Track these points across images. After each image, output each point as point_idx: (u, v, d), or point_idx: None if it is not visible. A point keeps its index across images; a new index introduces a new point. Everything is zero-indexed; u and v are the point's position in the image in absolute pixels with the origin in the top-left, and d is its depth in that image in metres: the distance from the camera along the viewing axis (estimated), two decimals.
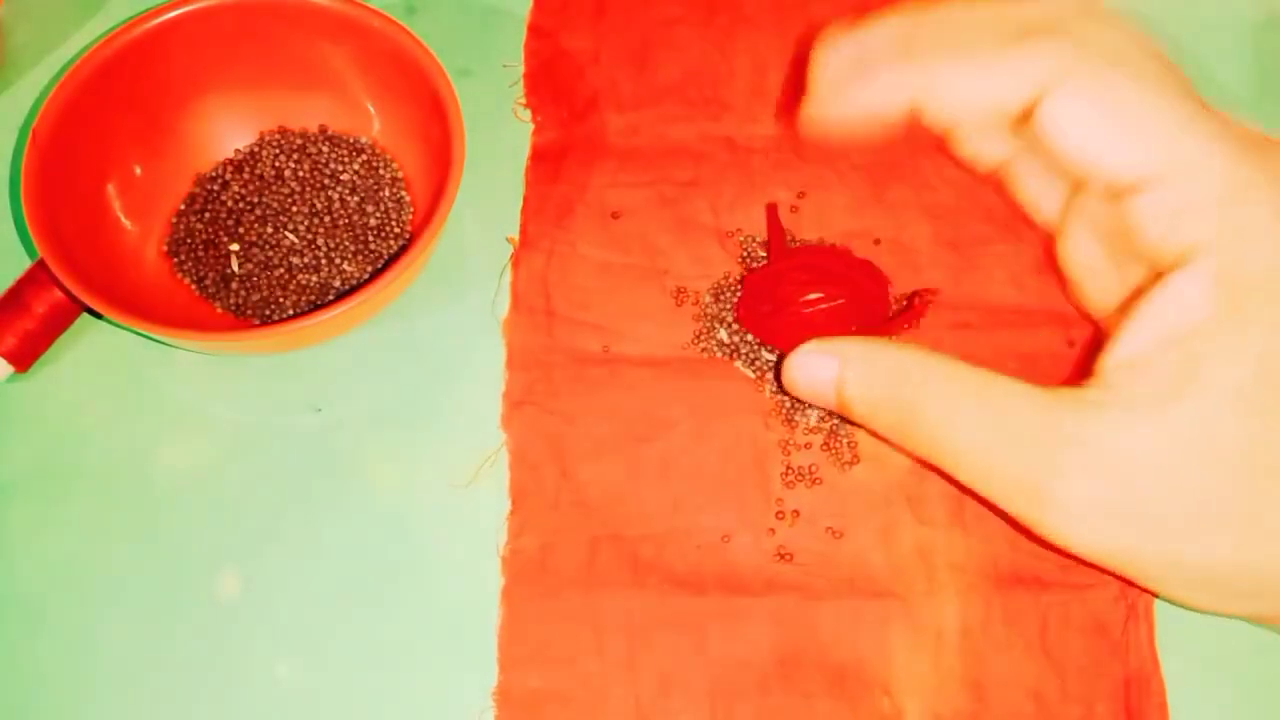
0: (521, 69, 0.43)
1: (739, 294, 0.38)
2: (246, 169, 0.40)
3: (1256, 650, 0.34)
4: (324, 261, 0.38)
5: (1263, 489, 0.26)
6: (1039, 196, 0.34)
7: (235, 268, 0.38)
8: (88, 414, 0.37)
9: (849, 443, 0.36)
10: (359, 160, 0.40)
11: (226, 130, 0.40)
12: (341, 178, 0.40)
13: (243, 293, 0.38)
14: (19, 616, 0.35)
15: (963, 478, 0.29)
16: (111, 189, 0.38)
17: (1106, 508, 0.27)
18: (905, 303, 0.37)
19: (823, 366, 0.32)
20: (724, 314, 0.38)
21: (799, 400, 0.36)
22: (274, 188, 0.40)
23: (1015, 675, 0.33)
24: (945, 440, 0.29)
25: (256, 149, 0.40)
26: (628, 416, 0.37)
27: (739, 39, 0.43)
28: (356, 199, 0.39)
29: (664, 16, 0.44)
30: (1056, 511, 0.28)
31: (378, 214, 0.39)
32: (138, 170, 0.39)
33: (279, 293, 0.38)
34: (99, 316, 0.38)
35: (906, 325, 0.37)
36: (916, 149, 0.41)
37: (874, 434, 0.32)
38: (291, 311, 0.38)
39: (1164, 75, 0.28)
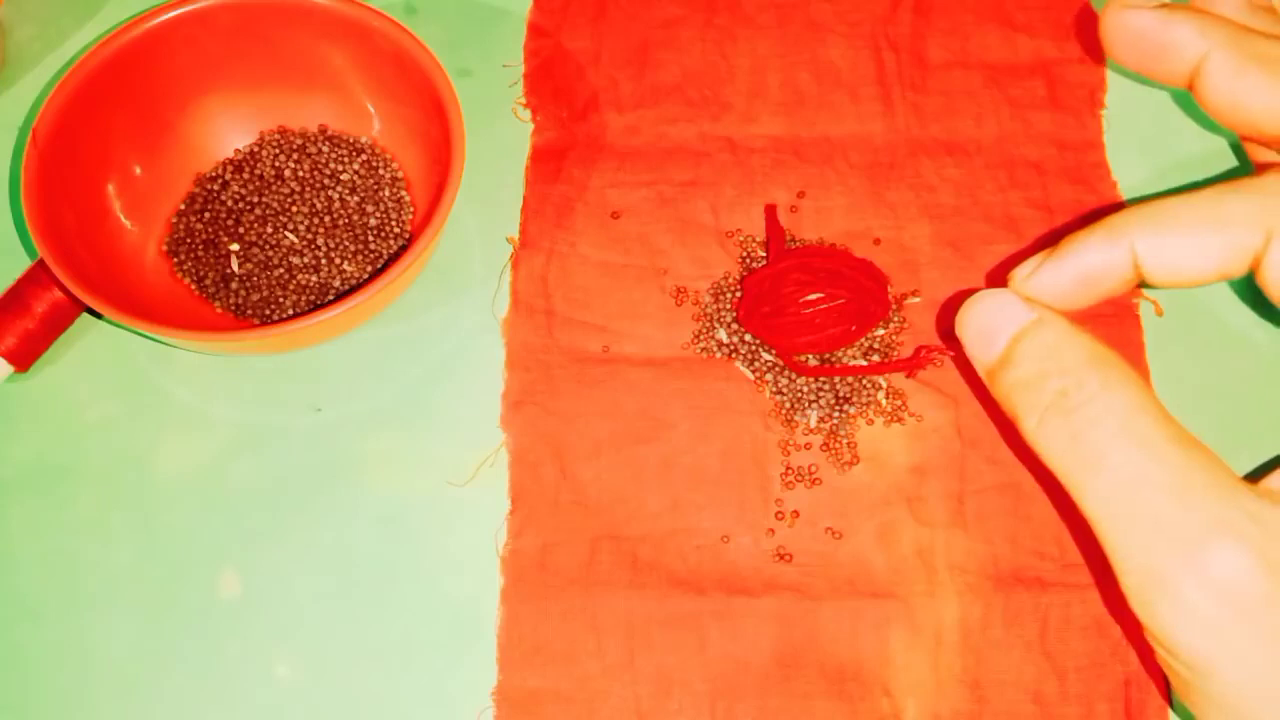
0: (521, 69, 0.43)
1: (739, 294, 0.38)
2: (246, 169, 0.40)
3: None
4: (324, 261, 0.38)
5: None
6: None
7: (235, 268, 0.38)
8: (88, 414, 0.37)
9: (849, 443, 0.36)
10: (359, 160, 0.40)
11: (226, 130, 0.40)
12: (341, 178, 0.40)
13: (243, 293, 0.38)
14: (19, 616, 0.35)
15: (1090, 511, 0.28)
16: (111, 189, 0.38)
17: (1231, 620, 0.26)
18: (913, 351, 0.37)
19: (1016, 310, 0.30)
20: (724, 314, 0.38)
21: (799, 400, 0.36)
22: (274, 188, 0.40)
23: (1015, 675, 0.33)
24: (1096, 461, 0.27)
25: (256, 149, 0.40)
26: (627, 416, 0.37)
27: (739, 39, 0.43)
28: (356, 199, 0.39)
29: (664, 16, 0.44)
30: (1172, 601, 0.26)
31: (378, 214, 0.39)
32: (138, 170, 0.39)
33: (279, 293, 0.38)
34: (99, 316, 0.38)
35: (907, 373, 0.37)
36: (916, 149, 0.41)
37: (989, 401, 0.30)
38: (291, 311, 0.38)
39: None
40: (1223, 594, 0.26)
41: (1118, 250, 0.30)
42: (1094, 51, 0.43)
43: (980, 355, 0.31)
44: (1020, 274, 0.32)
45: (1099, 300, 0.31)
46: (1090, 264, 0.31)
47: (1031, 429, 0.29)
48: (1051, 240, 0.32)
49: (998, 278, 0.39)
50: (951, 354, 0.37)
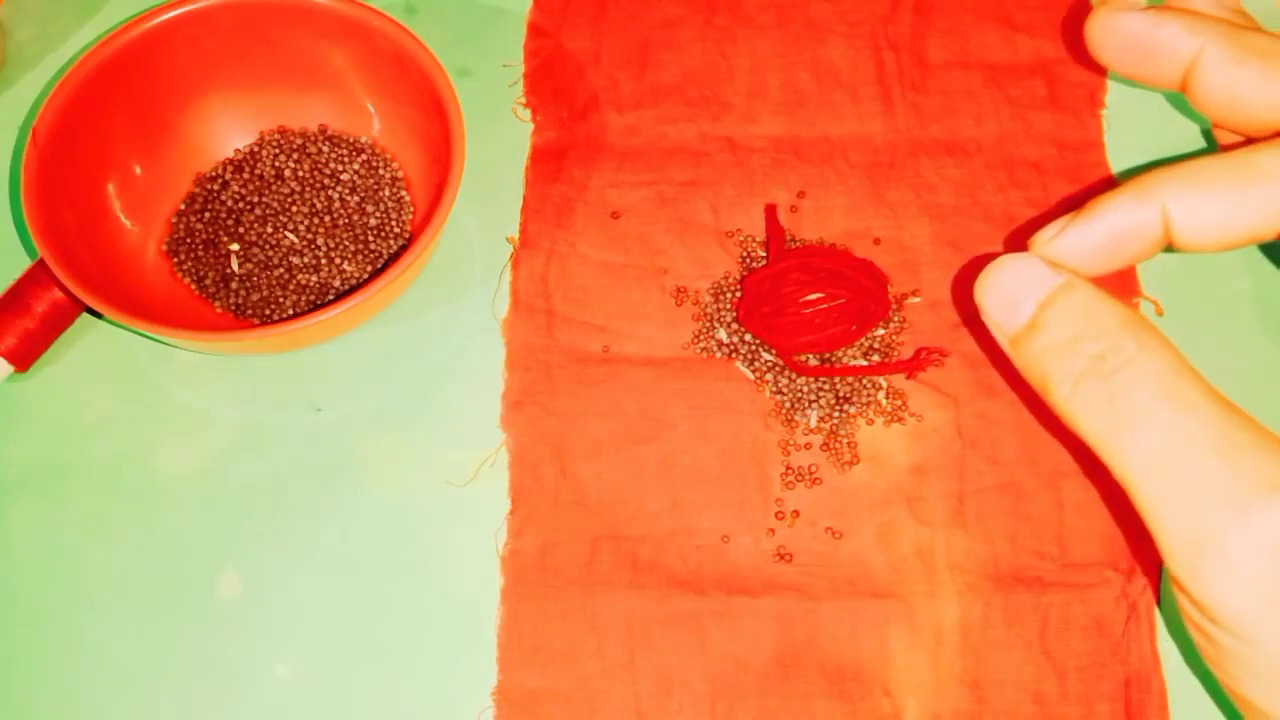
0: (521, 69, 0.43)
1: (739, 294, 0.38)
2: (246, 169, 0.40)
3: None
4: (324, 261, 0.38)
5: None
6: None
7: (235, 267, 0.38)
8: (88, 414, 0.37)
9: (849, 443, 0.36)
10: (359, 160, 0.40)
11: (226, 130, 0.40)
12: (341, 178, 0.40)
13: (243, 293, 0.38)
14: (19, 616, 0.35)
15: (1129, 475, 0.27)
16: (111, 189, 0.38)
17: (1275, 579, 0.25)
18: (913, 352, 0.37)
19: (1042, 274, 0.29)
20: (724, 314, 0.38)
21: (799, 400, 0.36)
22: (274, 188, 0.40)
23: (1015, 675, 0.33)
24: (1136, 422, 0.27)
25: (256, 149, 0.40)
26: (628, 416, 0.37)
27: (739, 39, 0.43)
28: (356, 199, 0.39)
29: (664, 17, 0.44)
30: (1217, 561, 0.26)
31: (378, 214, 0.39)
32: (138, 170, 0.39)
33: (279, 293, 0.38)
34: (99, 316, 0.38)
35: (907, 374, 0.37)
36: (916, 149, 0.41)
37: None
38: (291, 311, 0.38)
39: None
40: (1273, 554, 0.25)
41: (1147, 210, 0.29)
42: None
43: (1004, 322, 0.30)
44: (1044, 237, 0.31)
45: (1125, 264, 0.31)
46: (1118, 225, 0.30)
47: (1064, 396, 0.28)
48: (1040, 226, 0.32)
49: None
50: (951, 355, 0.37)
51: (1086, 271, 0.30)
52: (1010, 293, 0.30)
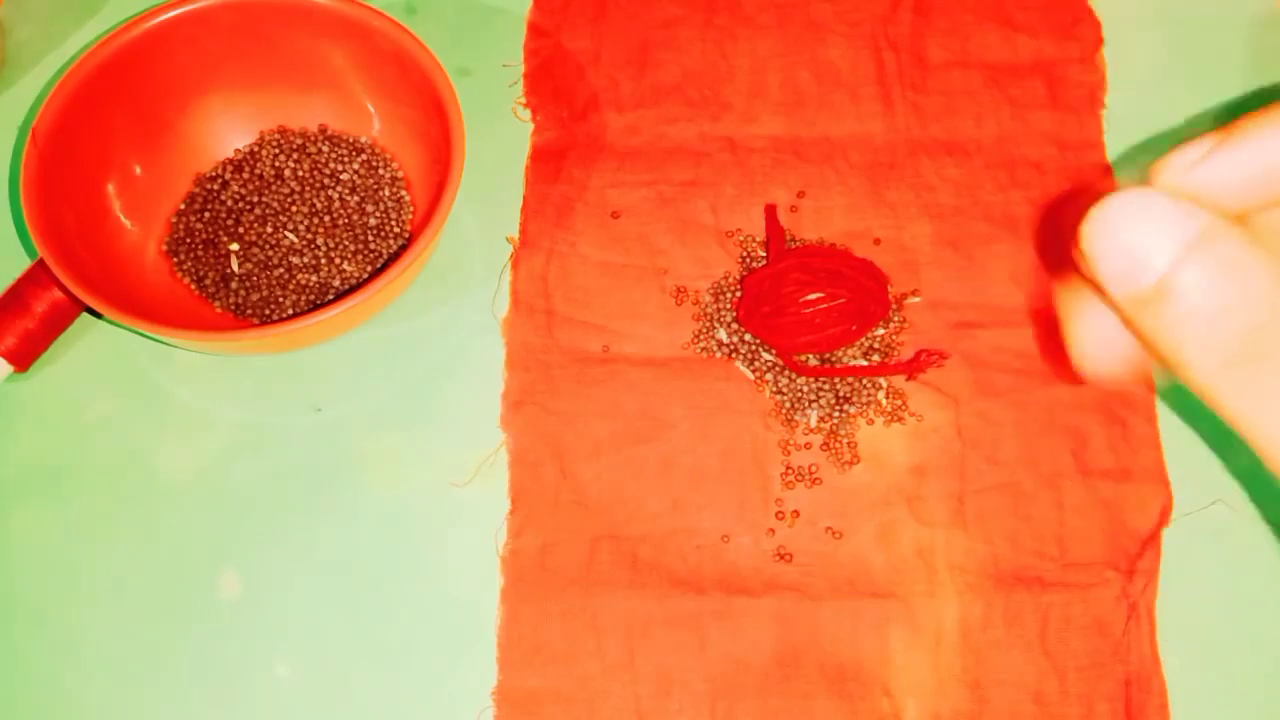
0: (521, 69, 0.43)
1: (739, 294, 0.38)
2: (246, 169, 0.40)
3: (1256, 650, 0.34)
4: (324, 261, 0.38)
5: None
6: None
7: (235, 267, 0.38)
8: (88, 414, 0.37)
9: (849, 443, 0.36)
10: (359, 160, 0.40)
11: (226, 130, 0.40)
12: (341, 177, 0.40)
13: (242, 292, 0.38)
14: (19, 616, 0.35)
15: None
16: (111, 189, 0.38)
17: None
18: (913, 354, 0.37)
19: (1176, 219, 0.22)
20: (724, 314, 0.38)
21: (799, 400, 0.36)
22: (274, 187, 0.40)
23: (1015, 675, 0.33)
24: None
25: (256, 149, 0.40)
26: (628, 416, 0.37)
27: (739, 39, 0.43)
28: (356, 199, 0.39)
29: (664, 17, 0.44)
30: None
31: (378, 214, 0.39)
32: (138, 170, 0.39)
33: (279, 292, 0.38)
34: (99, 316, 0.38)
35: (907, 375, 0.37)
36: (916, 149, 0.41)
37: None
38: (291, 311, 0.38)
39: None
40: None
41: None
42: (1093, 51, 0.43)
43: (1124, 280, 0.23)
44: (1180, 164, 0.23)
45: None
46: None
47: (1207, 373, 0.22)
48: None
49: (997, 276, 0.39)
50: (951, 355, 0.37)
51: (1234, 209, 0.23)
52: (1134, 242, 0.22)
